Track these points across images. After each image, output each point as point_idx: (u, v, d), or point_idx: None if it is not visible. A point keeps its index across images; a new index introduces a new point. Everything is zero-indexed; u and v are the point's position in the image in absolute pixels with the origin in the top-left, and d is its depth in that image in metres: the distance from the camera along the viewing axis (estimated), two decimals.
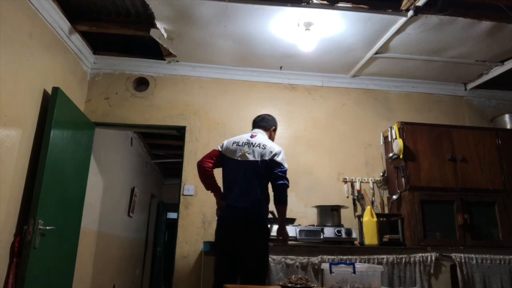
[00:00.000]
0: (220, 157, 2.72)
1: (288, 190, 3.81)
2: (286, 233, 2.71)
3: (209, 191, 2.78)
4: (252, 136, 2.75)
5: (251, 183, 2.58)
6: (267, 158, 2.62)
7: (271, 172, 2.61)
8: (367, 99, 4.36)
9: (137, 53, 4.09)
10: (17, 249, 2.76)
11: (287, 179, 2.63)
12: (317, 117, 4.21)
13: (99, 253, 4.65)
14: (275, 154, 2.63)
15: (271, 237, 3.16)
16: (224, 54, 3.93)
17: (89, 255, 4.39)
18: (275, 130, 2.97)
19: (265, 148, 2.66)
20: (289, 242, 3.23)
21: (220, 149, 2.76)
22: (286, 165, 2.66)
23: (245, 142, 2.70)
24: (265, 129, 2.88)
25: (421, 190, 3.58)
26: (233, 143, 2.72)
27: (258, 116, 2.98)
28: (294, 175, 3.94)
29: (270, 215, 3.14)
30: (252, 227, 2.54)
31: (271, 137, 2.90)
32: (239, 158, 2.64)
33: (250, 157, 2.63)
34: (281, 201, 2.63)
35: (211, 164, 2.69)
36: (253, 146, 2.67)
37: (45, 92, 3.17)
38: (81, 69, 3.89)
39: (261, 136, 2.78)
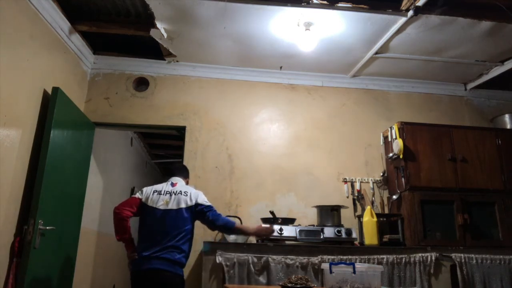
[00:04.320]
0: (140, 206, 2.61)
1: (288, 190, 3.90)
2: (259, 230, 2.71)
3: (121, 242, 2.61)
4: (173, 185, 2.71)
5: (172, 232, 2.50)
6: (192, 203, 2.59)
7: (203, 215, 2.59)
8: (367, 99, 4.36)
9: (137, 53, 4.09)
10: (17, 249, 2.76)
11: (217, 213, 2.61)
12: (317, 117, 4.21)
13: (99, 253, 4.65)
14: (198, 199, 2.62)
15: (272, 237, 3.17)
16: (224, 54, 3.93)
17: (89, 255, 4.39)
18: (188, 181, 2.98)
19: (186, 194, 2.63)
20: (289, 242, 3.24)
21: (140, 196, 2.64)
22: (209, 203, 2.65)
23: (167, 191, 2.65)
24: (184, 177, 2.86)
25: (421, 190, 3.58)
26: (153, 192, 2.64)
27: (175, 166, 3.00)
28: (294, 175, 3.97)
29: (270, 215, 3.16)
30: (169, 278, 2.42)
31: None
32: (161, 207, 2.56)
33: (173, 206, 2.57)
34: (232, 230, 2.68)
35: (130, 214, 2.56)
36: (175, 194, 2.63)
37: (45, 92, 3.17)
38: (81, 69, 3.89)
39: (181, 184, 2.75)
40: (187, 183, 2.88)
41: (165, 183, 2.75)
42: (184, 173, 2.91)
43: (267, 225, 2.71)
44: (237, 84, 4.22)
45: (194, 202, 2.60)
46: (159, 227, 2.51)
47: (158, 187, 2.69)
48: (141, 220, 2.62)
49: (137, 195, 2.66)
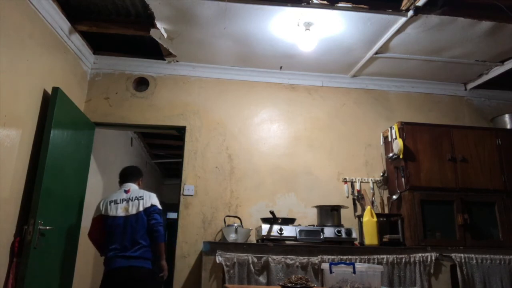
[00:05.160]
0: (102, 220, 2.86)
1: (288, 190, 3.91)
2: (163, 266, 2.86)
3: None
4: (126, 192, 2.95)
5: (138, 233, 2.77)
6: (148, 205, 2.87)
7: (152, 215, 2.84)
8: (367, 99, 4.36)
9: (137, 53, 4.09)
10: (17, 249, 2.76)
11: (161, 221, 2.86)
12: (317, 117, 4.21)
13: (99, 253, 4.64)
14: (152, 201, 2.90)
15: (271, 237, 3.17)
16: (224, 54, 3.93)
17: (89, 255, 4.38)
18: (142, 180, 3.21)
19: (142, 198, 2.90)
20: (289, 242, 3.25)
21: (98, 213, 2.90)
22: (159, 206, 2.92)
23: (123, 199, 2.90)
24: (135, 181, 3.08)
25: (421, 190, 3.58)
26: (110, 202, 2.88)
27: (125, 170, 3.16)
28: (294, 175, 3.97)
29: (270, 215, 3.16)
30: (144, 273, 2.72)
31: (140, 187, 3.13)
32: (121, 214, 2.82)
33: (133, 211, 2.83)
34: (155, 244, 2.82)
35: (95, 236, 2.92)
36: (132, 200, 2.89)
37: (45, 92, 3.17)
38: (81, 69, 3.89)
39: (134, 189, 3.00)
40: (139, 184, 3.10)
41: (119, 191, 2.97)
42: (135, 176, 3.12)
43: (165, 270, 2.87)
44: (237, 84, 4.22)
45: (149, 204, 2.87)
46: (125, 231, 2.77)
47: (113, 197, 2.93)
48: (106, 228, 2.84)
49: (96, 214, 2.92)
